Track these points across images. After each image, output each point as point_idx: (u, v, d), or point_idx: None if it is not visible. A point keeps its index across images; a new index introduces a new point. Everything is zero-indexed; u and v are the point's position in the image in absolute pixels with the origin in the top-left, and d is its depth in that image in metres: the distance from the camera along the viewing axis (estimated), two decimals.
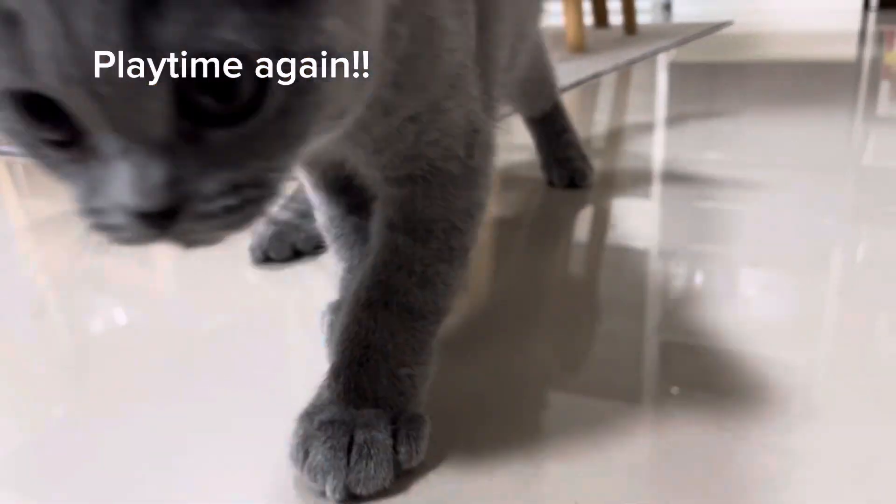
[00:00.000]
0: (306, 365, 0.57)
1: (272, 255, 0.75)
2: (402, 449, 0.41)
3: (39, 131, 0.30)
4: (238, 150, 0.31)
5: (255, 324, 0.66)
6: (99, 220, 0.31)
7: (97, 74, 0.27)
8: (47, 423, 0.53)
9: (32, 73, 0.28)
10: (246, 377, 0.56)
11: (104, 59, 0.27)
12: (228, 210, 0.31)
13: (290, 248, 0.75)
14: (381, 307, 0.44)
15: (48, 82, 0.28)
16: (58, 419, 0.54)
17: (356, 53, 0.31)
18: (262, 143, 0.31)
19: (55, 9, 0.26)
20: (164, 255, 0.85)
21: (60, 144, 0.31)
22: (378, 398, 0.42)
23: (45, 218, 1.03)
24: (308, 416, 0.42)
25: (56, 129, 0.30)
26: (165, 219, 0.30)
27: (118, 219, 0.31)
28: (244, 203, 0.32)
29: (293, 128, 0.31)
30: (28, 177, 1.24)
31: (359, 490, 0.39)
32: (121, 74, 0.27)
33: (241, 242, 0.73)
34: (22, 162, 1.27)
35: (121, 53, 0.27)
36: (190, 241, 0.32)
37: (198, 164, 0.30)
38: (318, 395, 0.44)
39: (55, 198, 1.03)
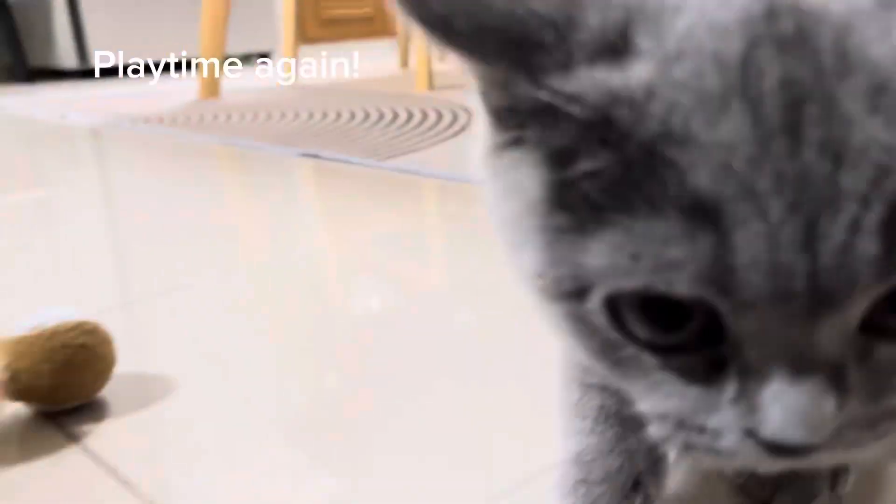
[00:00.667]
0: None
1: None
2: None
3: (653, 339, 0.26)
4: None
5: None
6: (698, 437, 0.26)
7: (829, 292, 0.23)
8: (321, 388, 0.67)
9: (726, 281, 0.23)
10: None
11: (844, 275, 0.22)
12: (875, 434, 0.26)
13: None
14: None
15: (744, 290, 0.23)
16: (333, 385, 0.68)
17: None
18: None
19: (790, 215, 0.22)
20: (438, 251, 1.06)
21: (676, 352, 0.26)
22: None
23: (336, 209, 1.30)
24: None
25: (677, 340, 0.25)
26: (798, 452, 0.25)
27: (731, 441, 0.26)
28: (882, 435, 0.26)
29: None
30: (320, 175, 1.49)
31: None
32: (842, 298, 0.23)
33: None
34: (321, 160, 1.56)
35: (863, 271, 0.22)
36: (812, 463, 0.27)
37: (865, 388, 0.25)
38: None
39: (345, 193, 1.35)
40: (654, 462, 0.39)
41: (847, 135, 0.22)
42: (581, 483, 0.39)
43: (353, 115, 2.04)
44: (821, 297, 0.23)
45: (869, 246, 0.22)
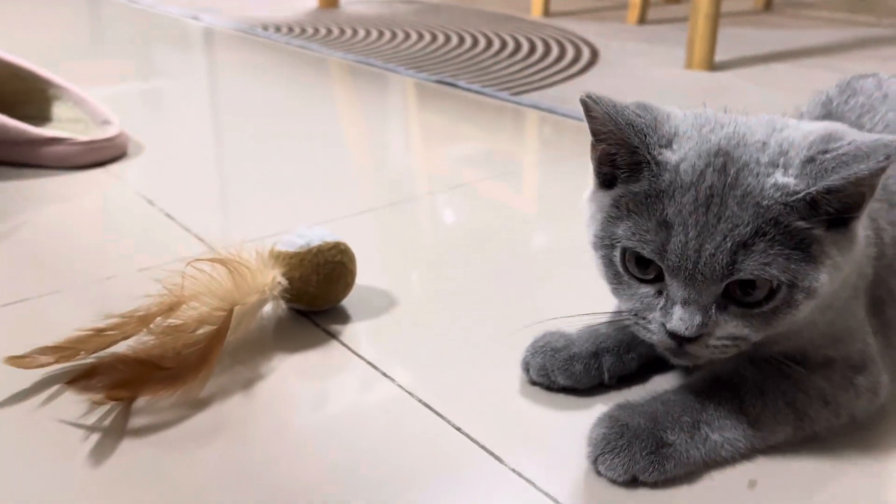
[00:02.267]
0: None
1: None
2: None
3: (640, 275, 0.55)
4: (742, 321, 0.53)
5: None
6: (642, 322, 0.56)
7: (700, 270, 0.51)
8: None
9: (662, 253, 0.53)
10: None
11: (710, 266, 0.51)
12: (719, 350, 0.54)
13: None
14: None
15: (671, 260, 0.52)
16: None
17: (822, 297, 0.53)
18: (758, 321, 0.53)
19: (696, 236, 0.51)
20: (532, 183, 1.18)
21: (640, 280, 0.55)
22: None
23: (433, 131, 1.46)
24: None
25: (645, 274, 0.55)
26: (684, 341, 0.53)
27: (654, 328, 0.55)
28: (729, 349, 0.54)
29: (777, 318, 0.53)
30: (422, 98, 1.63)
31: None
32: (711, 275, 0.51)
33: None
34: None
35: (718, 267, 0.51)
36: (687, 356, 0.55)
37: (719, 321, 0.53)
38: None
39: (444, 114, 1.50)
40: (618, 356, 0.65)
41: (725, 212, 0.51)
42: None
43: (475, 41, 2.12)
44: (698, 274, 0.52)
45: (722, 258, 0.51)
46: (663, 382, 0.66)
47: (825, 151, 0.51)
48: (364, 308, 0.79)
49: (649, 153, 0.53)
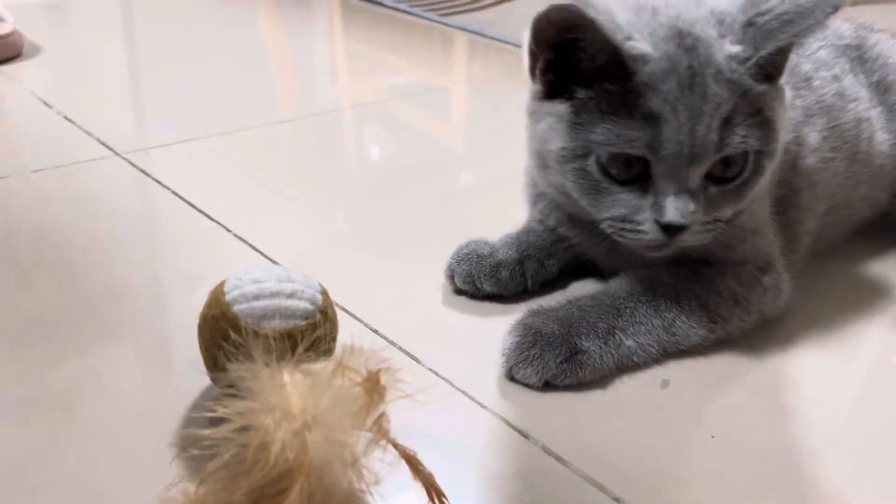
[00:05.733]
0: None
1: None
2: None
3: (623, 177, 0.54)
4: (721, 199, 0.54)
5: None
6: (629, 227, 0.55)
7: (695, 153, 0.51)
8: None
9: (653, 146, 0.52)
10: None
11: (702, 147, 0.51)
12: (702, 236, 0.55)
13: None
14: None
15: (665, 151, 0.51)
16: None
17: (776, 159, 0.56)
18: (733, 195, 0.55)
19: (687, 120, 0.51)
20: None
21: (622, 184, 0.54)
22: None
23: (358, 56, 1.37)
24: None
25: (629, 175, 0.54)
26: (677, 231, 0.53)
27: (647, 227, 0.54)
28: (711, 233, 0.55)
29: (748, 188, 0.55)
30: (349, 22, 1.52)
31: None
32: (703, 157, 0.52)
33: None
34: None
35: (711, 147, 0.51)
36: (678, 246, 0.55)
37: (705, 205, 0.54)
38: None
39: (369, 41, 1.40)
40: (540, 262, 0.65)
41: (708, 91, 0.51)
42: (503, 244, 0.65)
43: None
44: (693, 157, 0.52)
45: (713, 136, 0.51)
46: (581, 287, 0.66)
47: (761, 13, 0.52)
48: (292, 230, 0.76)
49: (623, 49, 0.51)
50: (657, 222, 0.53)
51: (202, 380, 0.50)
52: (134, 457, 0.47)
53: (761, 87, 0.53)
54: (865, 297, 0.67)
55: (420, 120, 1.11)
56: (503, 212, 0.70)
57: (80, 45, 1.28)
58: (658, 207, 0.53)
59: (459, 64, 1.43)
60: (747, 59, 0.52)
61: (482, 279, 0.63)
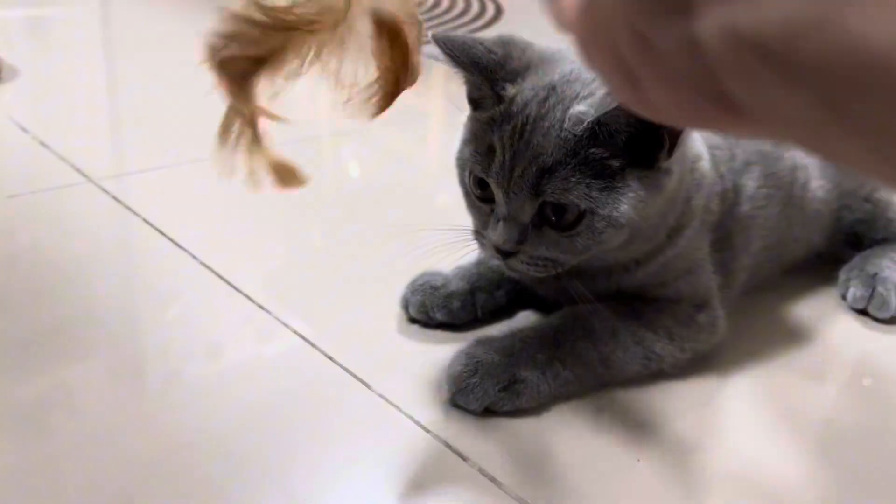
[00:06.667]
0: None
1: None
2: None
3: (479, 194, 0.60)
4: (553, 243, 0.58)
5: None
6: (481, 240, 0.61)
7: (512, 188, 0.56)
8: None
9: (487, 172, 0.58)
10: None
11: (518, 185, 0.56)
12: (535, 268, 0.59)
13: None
14: None
15: (493, 179, 0.57)
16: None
17: (627, 227, 0.58)
18: (566, 244, 0.58)
19: (510, 159, 0.56)
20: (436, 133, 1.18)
21: (483, 200, 0.60)
22: None
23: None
24: None
25: (483, 194, 0.60)
26: (506, 255, 0.58)
27: (487, 242, 0.60)
28: (544, 268, 0.59)
29: (583, 243, 0.58)
30: None
31: None
32: (520, 193, 0.56)
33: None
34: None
35: (526, 188, 0.56)
36: (513, 269, 0.60)
37: (533, 240, 0.58)
38: None
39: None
40: (490, 293, 0.69)
41: (532, 140, 0.56)
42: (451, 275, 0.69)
43: None
44: (510, 193, 0.57)
45: (529, 180, 0.56)
46: (527, 317, 0.70)
47: None
48: (259, 257, 0.79)
49: (492, 88, 0.58)
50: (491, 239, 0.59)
51: (175, 395, 0.53)
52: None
53: (604, 153, 0.56)
54: (795, 331, 0.72)
55: (396, 142, 1.15)
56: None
57: (60, 68, 1.31)
58: (493, 227, 0.59)
59: (437, 86, 1.47)
60: (583, 121, 0.55)
61: (435, 309, 0.67)
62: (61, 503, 0.48)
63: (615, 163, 0.56)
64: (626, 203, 0.56)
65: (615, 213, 0.56)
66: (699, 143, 0.64)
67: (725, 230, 0.68)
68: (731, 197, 0.68)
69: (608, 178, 0.56)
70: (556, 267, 0.59)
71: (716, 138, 0.67)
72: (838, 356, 0.71)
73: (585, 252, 0.59)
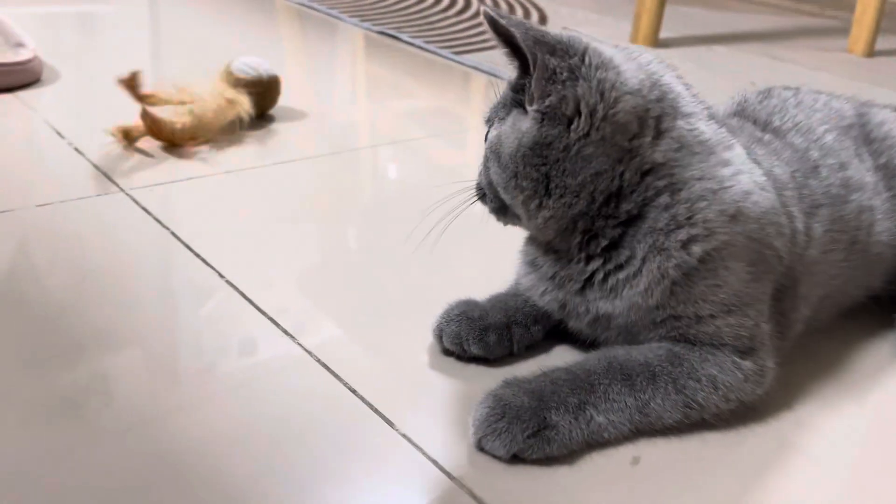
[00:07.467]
0: None
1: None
2: None
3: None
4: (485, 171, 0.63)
5: None
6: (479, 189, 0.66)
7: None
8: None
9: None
10: None
11: None
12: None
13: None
14: None
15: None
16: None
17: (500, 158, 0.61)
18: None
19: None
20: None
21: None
22: None
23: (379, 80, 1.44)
24: None
25: None
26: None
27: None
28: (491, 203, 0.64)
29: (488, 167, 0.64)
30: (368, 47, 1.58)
31: None
32: None
33: None
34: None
35: None
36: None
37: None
38: None
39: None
40: (527, 328, 0.66)
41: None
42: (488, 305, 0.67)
43: None
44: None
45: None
46: (563, 353, 0.67)
47: None
48: (286, 279, 0.77)
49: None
50: None
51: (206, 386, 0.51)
52: None
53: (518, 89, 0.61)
54: (847, 379, 0.67)
55: (436, 154, 1.12)
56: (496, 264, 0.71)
57: (101, 70, 1.31)
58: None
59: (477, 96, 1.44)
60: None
61: (470, 341, 0.64)
62: (93, 489, 0.48)
63: (517, 97, 0.60)
64: (497, 132, 0.61)
65: (493, 139, 0.61)
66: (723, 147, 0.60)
67: (792, 276, 0.63)
68: (802, 240, 0.63)
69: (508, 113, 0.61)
70: (496, 202, 0.63)
71: (785, 177, 0.64)
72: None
73: (496, 184, 0.61)
